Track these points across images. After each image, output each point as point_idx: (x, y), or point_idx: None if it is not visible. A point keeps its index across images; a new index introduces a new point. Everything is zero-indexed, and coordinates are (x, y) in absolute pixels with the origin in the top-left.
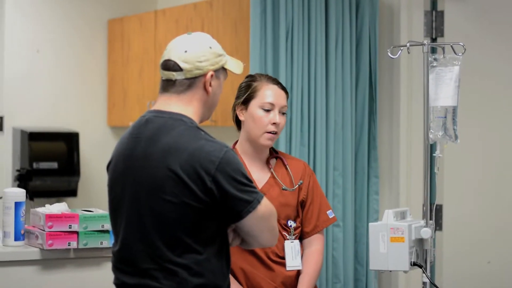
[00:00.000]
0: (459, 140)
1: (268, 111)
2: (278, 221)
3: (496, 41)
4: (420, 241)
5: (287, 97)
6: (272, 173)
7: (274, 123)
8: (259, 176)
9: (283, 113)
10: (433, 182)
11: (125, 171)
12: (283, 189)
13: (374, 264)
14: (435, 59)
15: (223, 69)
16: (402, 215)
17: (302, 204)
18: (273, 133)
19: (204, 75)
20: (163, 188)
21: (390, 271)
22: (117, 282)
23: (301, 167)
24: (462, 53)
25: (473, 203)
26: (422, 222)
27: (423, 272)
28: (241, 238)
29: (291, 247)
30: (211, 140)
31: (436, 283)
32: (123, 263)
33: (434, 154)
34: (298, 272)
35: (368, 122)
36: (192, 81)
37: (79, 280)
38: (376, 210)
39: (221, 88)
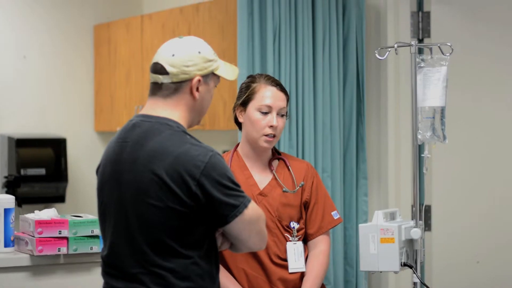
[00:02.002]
0: (447, 141)
1: (265, 113)
2: (280, 222)
3: (483, 41)
4: (410, 242)
5: (287, 99)
6: (274, 174)
7: (271, 126)
8: (261, 177)
9: (282, 115)
10: (422, 182)
11: (112, 175)
12: (284, 191)
13: (365, 265)
14: (422, 60)
15: (214, 74)
16: (392, 216)
17: (305, 205)
18: (271, 136)
19: (191, 80)
20: (148, 192)
21: (381, 271)
22: (106, 286)
23: (304, 168)
24: (450, 54)
25: (462, 203)
26: (412, 223)
27: (414, 273)
28: (230, 242)
29: (294, 248)
30: (196, 144)
31: (426, 283)
32: (112, 268)
33: (422, 155)
34: (302, 275)
35: (356, 123)
36: (178, 86)
37: (69, 286)
38: (365, 212)
39: (210, 93)
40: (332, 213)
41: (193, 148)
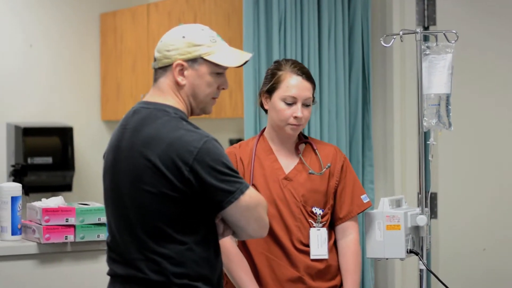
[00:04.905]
0: (453, 128)
1: (290, 104)
2: (305, 207)
3: (488, 28)
4: (416, 229)
5: (314, 87)
6: (300, 158)
7: (296, 117)
8: (287, 161)
9: (307, 105)
10: (428, 170)
11: (113, 162)
12: (310, 173)
13: (371, 252)
14: (428, 47)
15: (206, 60)
16: (398, 203)
17: (335, 190)
18: (296, 125)
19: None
20: (143, 178)
21: (387, 259)
22: (110, 272)
23: (331, 151)
24: (455, 41)
25: (468, 190)
26: (418, 210)
27: (420, 259)
28: (232, 229)
29: (317, 235)
30: (191, 130)
31: (432, 270)
32: (114, 253)
33: (428, 142)
34: (325, 261)
35: (362, 111)
36: (163, 71)
37: (76, 273)
38: (372, 199)
39: (204, 79)
40: (361, 196)
41: (188, 134)
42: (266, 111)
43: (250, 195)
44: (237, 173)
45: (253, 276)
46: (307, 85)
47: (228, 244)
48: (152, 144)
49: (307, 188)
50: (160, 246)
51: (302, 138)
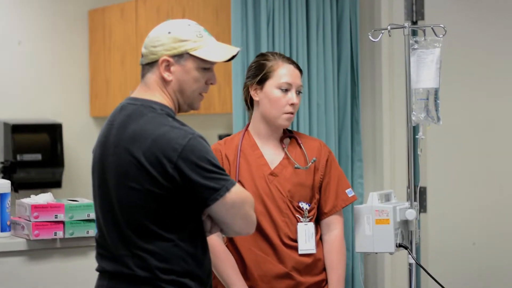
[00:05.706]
0: (441, 122)
1: (285, 91)
2: (292, 203)
3: (476, 23)
4: (405, 223)
5: (302, 76)
6: (285, 152)
7: (292, 104)
8: (273, 156)
9: (299, 93)
10: (417, 164)
11: (100, 158)
12: (296, 168)
13: (360, 246)
14: (416, 42)
15: (192, 55)
16: (387, 197)
17: (320, 185)
18: (290, 114)
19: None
20: (127, 175)
21: (376, 253)
22: (98, 268)
23: (316, 145)
24: (443, 35)
25: (457, 184)
26: (407, 204)
27: (409, 254)
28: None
29: (305, 230)
30: (176, 127)
31: (422, 264)
32: (103, 249)
33: (417, 136)
34: (312, 256)
35: (350, 106)
36: (150, 67)
37: (65, 270)
38: (361, 194)
39: (191, 75)
40: (346, 190)
41: (173, 131)
42: (250, 106)
43: (236, 192)
44: (223, 170)
45: (240, 273)
46: (298, 73)
47: (214, 241)
48: (137, 141)
49: (293, 183)
50: (145, 242)
51: (287, 132)
